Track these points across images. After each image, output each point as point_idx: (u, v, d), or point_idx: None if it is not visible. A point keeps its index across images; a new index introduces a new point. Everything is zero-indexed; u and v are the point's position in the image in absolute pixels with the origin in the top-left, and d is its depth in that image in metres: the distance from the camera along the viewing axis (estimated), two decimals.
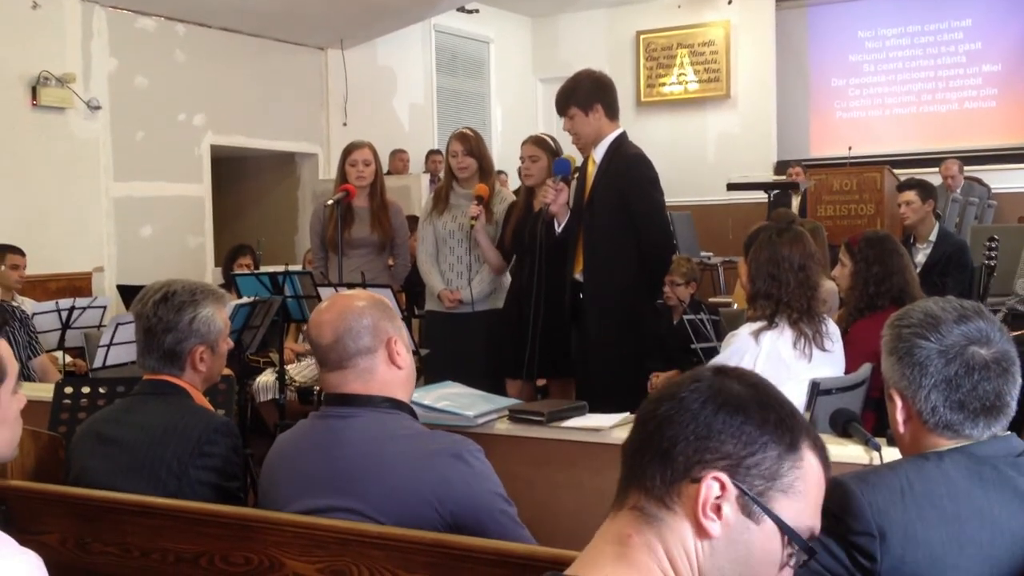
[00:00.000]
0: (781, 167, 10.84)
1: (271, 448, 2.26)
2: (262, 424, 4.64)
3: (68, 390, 2.87)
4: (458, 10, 10.91)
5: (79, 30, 7.71)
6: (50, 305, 5.37)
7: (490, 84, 12.08)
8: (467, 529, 1.96)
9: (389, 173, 8.88)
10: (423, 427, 2.17)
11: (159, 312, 2.42)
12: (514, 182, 7.94)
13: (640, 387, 4.38)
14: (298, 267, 7.07)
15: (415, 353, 2.66)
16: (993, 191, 9.78)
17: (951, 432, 1.76)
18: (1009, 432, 1.79)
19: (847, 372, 3.35)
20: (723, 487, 1.16)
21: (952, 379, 1.74)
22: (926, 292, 3.82)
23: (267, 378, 4.68)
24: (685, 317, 4.54)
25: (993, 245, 5.41)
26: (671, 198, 4.72)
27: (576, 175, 4.42)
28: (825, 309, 3.39)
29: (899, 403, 1.81)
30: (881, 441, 2.43)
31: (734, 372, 1.25)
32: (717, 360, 3.25)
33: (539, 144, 4.69)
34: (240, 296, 4.13)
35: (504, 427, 2.99)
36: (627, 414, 2.95)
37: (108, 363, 4.01)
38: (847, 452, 2.48)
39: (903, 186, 6.14)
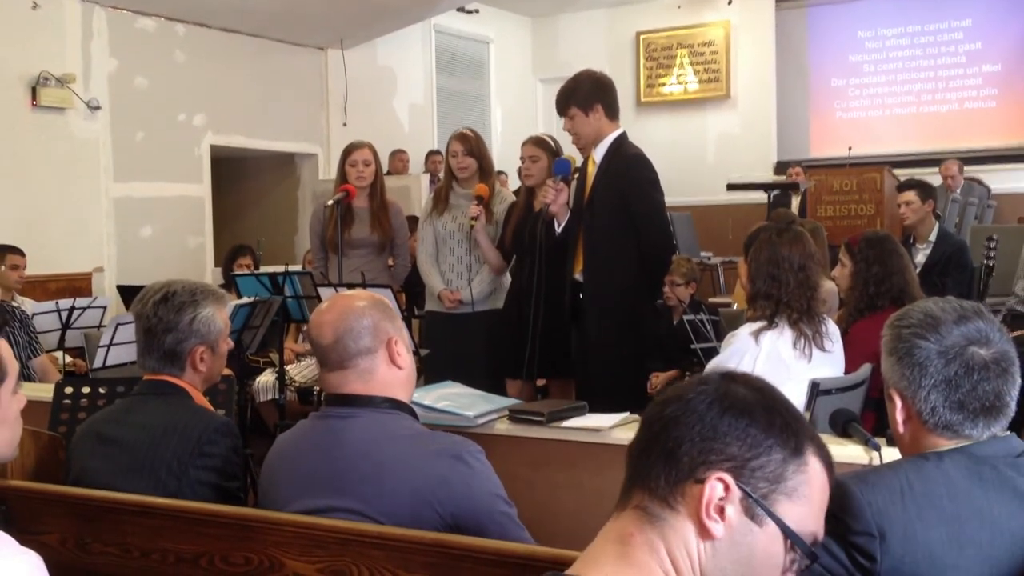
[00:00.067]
0: (781, 167, 10.84)
1: (271, 448, 2.26)
2: (262, 424, 4.65)
3: (68, 390, 2.87)
4: (458, 10, 10.91)
5: (79, 30, 7.71)
6: (50, 305, 5.37)
7: (490, 84, 12.08)
8: (467, 530, 1.96)
9: (389, 173, 8.87)
10: (423, 427, 2.17)
11: (159, 312, 2.42)
12: (514, 182, 7.94)
13: (640, 387, 4.39)
14: (298, 267, 7.07)
15: (415, 353, 2.66)
16: (993, 191, 9.77)
17: (951, 432, 1.76)
18: (1009, 432, 1.79)
19: (847, 372, 3.35)
20: (727, 488, 1.17)
21: (952, 379, 1.74)
22: (926, 292, 3.82)
23: (267, 378, 4.68)
24: (685, 317, 4.54)
25: (992, 245, 5.41)
26: (671, 198, 4.71)
27: (576, 175, 4.42)
28: (825, 309, 3.38)
29: (899, 403, 1.81)
30: (881, 441, 2.43)
31: (741, 377, 1.25)
32: (717, 360, 3.25)
33: (539, 144, 4.69)
34: (240, 296, 4.13)
35: (504, 427, 2.99)
36: (627, 414, 2.96)
37: (108, 363, 4.00)
38: (847, 452, 2.48)
39: (903, 186, 6.14)
